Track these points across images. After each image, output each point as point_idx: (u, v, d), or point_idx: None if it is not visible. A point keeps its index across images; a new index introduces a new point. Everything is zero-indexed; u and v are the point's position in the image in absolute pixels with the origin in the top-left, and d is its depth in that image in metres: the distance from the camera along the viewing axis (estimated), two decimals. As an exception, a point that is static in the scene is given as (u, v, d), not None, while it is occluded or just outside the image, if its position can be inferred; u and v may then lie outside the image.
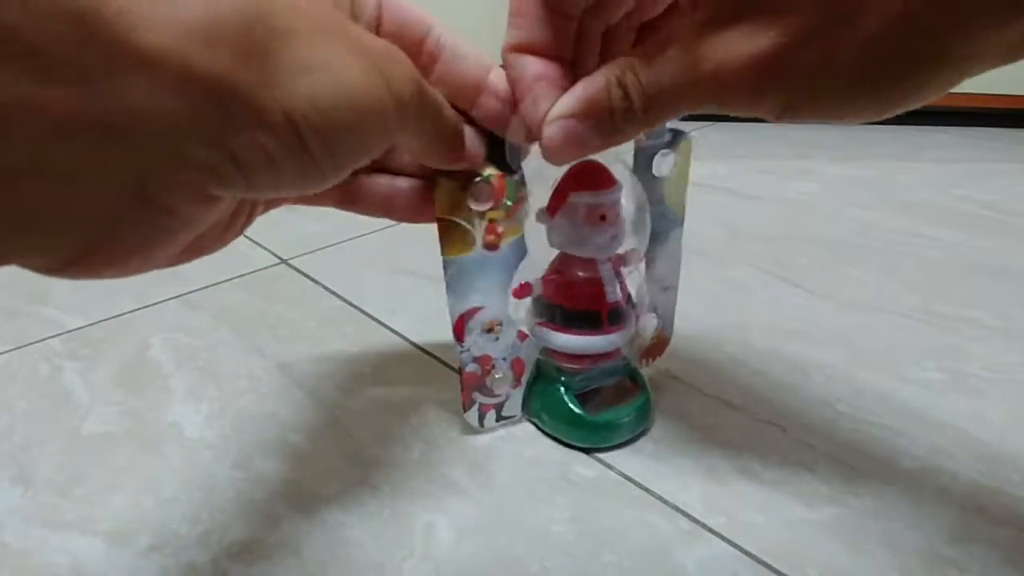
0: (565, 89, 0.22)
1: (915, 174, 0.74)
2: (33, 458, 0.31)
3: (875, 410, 0.34)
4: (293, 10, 0.16)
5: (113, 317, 0.44)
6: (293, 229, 0.58)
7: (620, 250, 0.31)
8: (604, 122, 0.21)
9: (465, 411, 0.32)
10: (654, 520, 0.28)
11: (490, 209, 0.28)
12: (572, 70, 0.22)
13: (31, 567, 0.26)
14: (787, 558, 0.26)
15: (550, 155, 0.22)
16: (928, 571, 0.25)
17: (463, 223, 0.28)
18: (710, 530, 0.27)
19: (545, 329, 0.32)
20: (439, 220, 0.27)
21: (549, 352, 0.33)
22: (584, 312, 0.31)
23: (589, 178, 0.30)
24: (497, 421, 0.33)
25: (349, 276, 0.49)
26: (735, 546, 0.27)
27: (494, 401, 0.33)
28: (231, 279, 0.49)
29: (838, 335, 0.41)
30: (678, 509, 0.28)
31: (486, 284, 0.30)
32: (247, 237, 0.56)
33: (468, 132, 0.24)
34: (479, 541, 0.27)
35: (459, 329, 0.30)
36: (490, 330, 0.31)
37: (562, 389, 0.32)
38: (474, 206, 0.28)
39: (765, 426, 0.33)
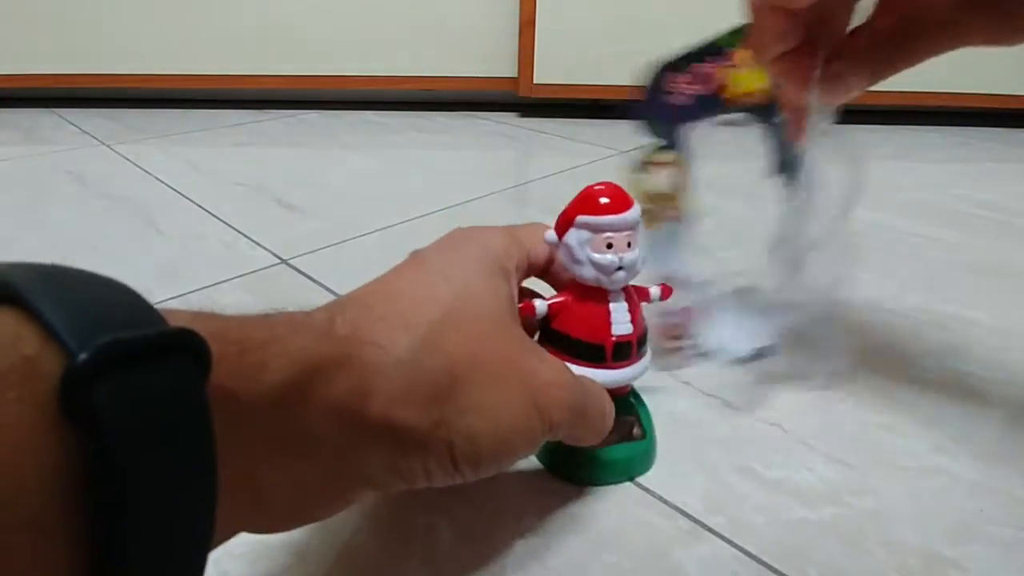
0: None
1: (914, 174, 0.74)
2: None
3: (875, 410, 0.34)
4: (474, 365, 0.22)
5: (113, 317, 0.44)
6: (293, 229, 0.58)
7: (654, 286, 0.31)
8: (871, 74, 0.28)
9: (662, 355, 0.38)
10: (654, 520, 0.28)
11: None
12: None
13: (32, 567, 0.26)
14: (787, 558, 0.26)
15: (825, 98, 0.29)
16: (928, 571, 0.25)
17: (651, 204, 0.35)
18: (710, 530, 0.27)
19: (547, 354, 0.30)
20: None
21: None
22: (586, 344, 0.29)
23: (602, 201, 0.28)
24: (686, 357, 0.38)
25: (349, 276, 0.49)
26: (735, 546, 0.27)
27: (683, 343, 0.38)
28: (231, 279, 0.49)
29: (838, 335, 0.41)
30: (678, 509, 0.28)
31: (671, 253, 0.37)
32: (247, 237, 0.56)
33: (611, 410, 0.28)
34: (479, 542, 0.27)
35: (666, 294, 0.33)
36: (682, 286, 0.36)
37: None
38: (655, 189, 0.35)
39: (765, 426, 0.33)
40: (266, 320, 0.18)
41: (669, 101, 0.34)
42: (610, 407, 0.28)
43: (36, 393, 0.12)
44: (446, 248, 0.27)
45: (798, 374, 0.37)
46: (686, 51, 0.34)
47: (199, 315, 0.16)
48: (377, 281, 0.25)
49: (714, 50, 0.33)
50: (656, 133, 0.36)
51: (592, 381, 0.27)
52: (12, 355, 0.12)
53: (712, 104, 0.34)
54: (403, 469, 0.21)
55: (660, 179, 0.35)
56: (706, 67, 0.33)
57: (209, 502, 0.14)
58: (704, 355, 0.38)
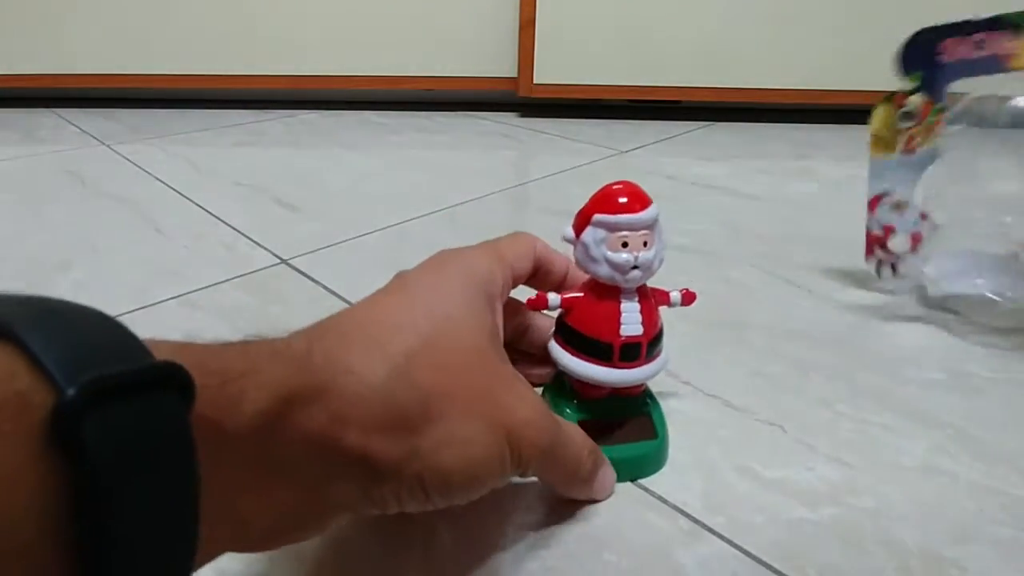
0: None
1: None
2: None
3: (875, 410, 0.34)
4: (448, 398, 0.22)
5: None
6: (293, 229, 0.58)
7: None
8: None
9: (866, 260, 0.46)
10: (654, 520, 0.28)
11: (912, 127, 0.42)
12: None
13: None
14: (787, 558, 0.26)
15: None
16: (928, 571, 0.25)
17: (888, 136, 0.43)
18: (710, 530, 0.27)
19: (557, 345, 0.30)
20: (872, 135, 0.44)
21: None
22: (595, 341, 0.29)
23: (620, 200, 0.28)
24: (892, 276, 0.45)
25: (349, 276, 0.49)
26: (735, 546, 0.27)
27: (891, 259, 0.45)
28: (231, 279, 0.49)
29: (838, 335, 0.41)
30: (678, 509, 0.28)
31: (898, 177, 0.44)
32: (247, 237, 0.56)
33: (606, 472, 0.29)
34: (479, 542, 0.27)
35: (872, 204, 0.45)
36: (897, 207, 0.44)
37: (568, 411, 0.31)
38: (900, 124, 0.43)
39: (765, 426, 0.33)
40: (245, 349, 0.19)
41: (940, 60, 0.41)
42: (591, 456, 0.27)
43: (29, 427, 0.12)
44: (430, 272, 0.27)
45: (981, 327, 0.41)
46: (963, 21, 0.40)
47: (180, 346, 0.17)
48: (358, 306, 0.25)
49: (1001, 24, 0.39)
50: (915, 81, 0.43)
51: (574, 427, 0.27)
52: (7, 390, 0.12)
53: (989, 66, 0.40)
54: (375, 497, 0.21)
55: (904, 116, 0.43)
56: (988, 36, 0.40)
57: (192, 528, 0.15)
58: (910, 278, 0.44)
